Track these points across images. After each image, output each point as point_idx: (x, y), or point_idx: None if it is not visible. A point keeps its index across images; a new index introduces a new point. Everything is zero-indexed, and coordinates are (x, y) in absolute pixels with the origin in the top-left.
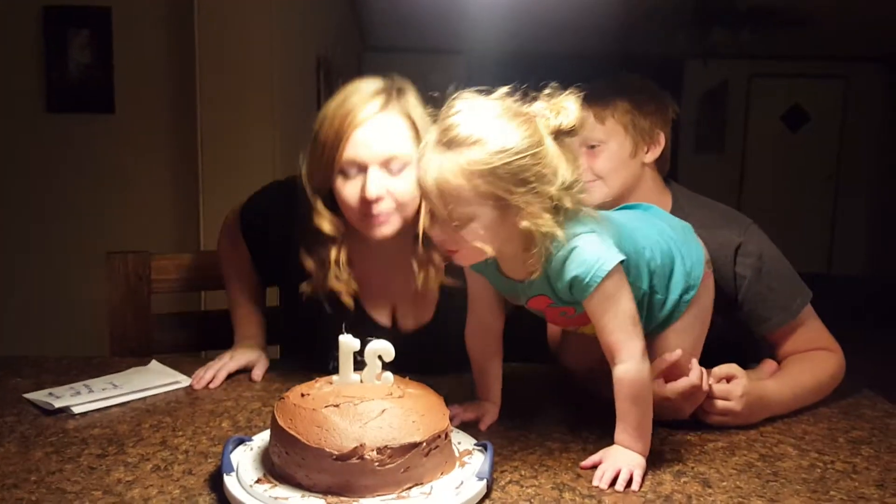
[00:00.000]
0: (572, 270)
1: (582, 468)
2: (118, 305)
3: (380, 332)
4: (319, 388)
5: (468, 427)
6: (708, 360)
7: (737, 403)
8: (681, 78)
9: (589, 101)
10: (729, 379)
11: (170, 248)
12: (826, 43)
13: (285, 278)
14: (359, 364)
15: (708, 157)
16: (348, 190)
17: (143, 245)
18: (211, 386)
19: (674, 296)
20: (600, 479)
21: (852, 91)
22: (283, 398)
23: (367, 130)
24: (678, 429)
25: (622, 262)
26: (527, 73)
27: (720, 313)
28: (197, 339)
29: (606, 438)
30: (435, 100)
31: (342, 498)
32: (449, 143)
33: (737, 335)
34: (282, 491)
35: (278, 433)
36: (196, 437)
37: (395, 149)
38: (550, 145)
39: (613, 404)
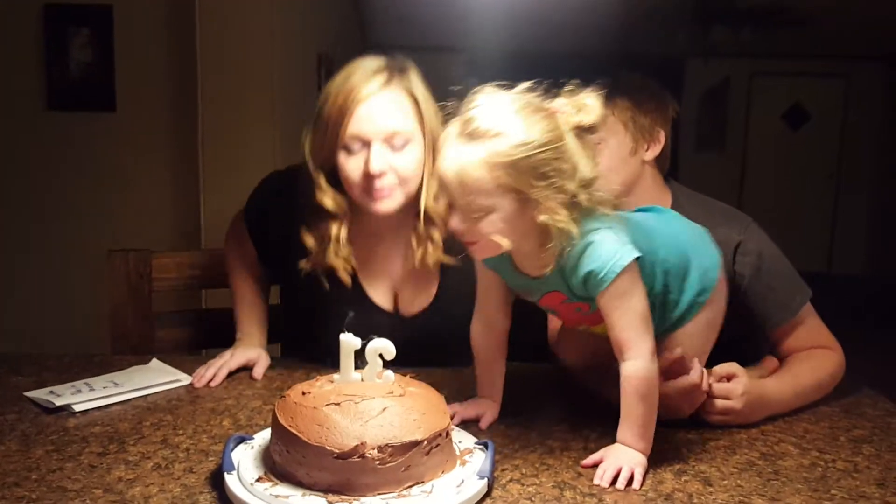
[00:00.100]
0: (588, 265)
1: (583, 467)
2: (119, 303)
3: (381, 316)
4: (320, 387)
5: (469, 425)
6: (708, 359)
7: (737, 402)
8: (682, 76)
9: None
10: (729, 378)
11: (170, 247)
12: (827, 42)
13: (287, 266)
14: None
15: (709, 156)
16: (351, 165)
17: (144, 243)
18: (212, 384)
19: (688, 296)
20: (601, 478)
21: (853, 90)
22: (283, 396)
23: (371, 106)
24: (679, 428)
25: (637, 259)
26: (528, 72)
27: None
28: (198, 338)
29: (607, 437)
30: (455, 94)
31: (343, 496)
32: (471, 134)
33: (737, 333)
34: (283, 489)
35: (279, 431)
36: (197, 436)
37: (398, 124)
38: (571, 141)
39: (612, 403)
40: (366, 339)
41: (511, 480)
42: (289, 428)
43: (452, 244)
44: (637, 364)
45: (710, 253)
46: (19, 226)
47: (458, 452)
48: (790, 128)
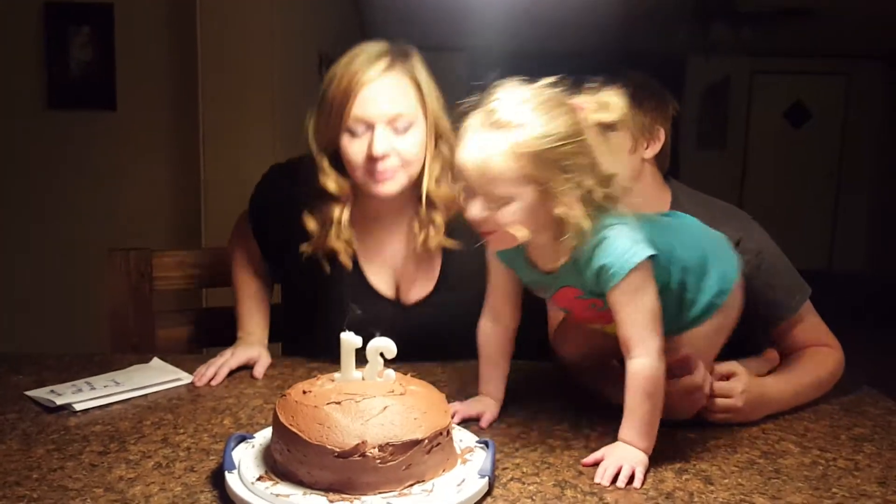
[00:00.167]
0: (601, 259)
1: (584, 465)
2: (120, 302)
3: (382, 303)
4: (321, 386)
5: (470, 424)
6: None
7: (738, 400)
8: (682, 74)
9: None
10: (729, 376)
11: (171, 245)
12: (828, 40)
13: (289, 257)
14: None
15: (710, 154)
16: (355, 148)
17: (145, 242)
18: (212, 383)
19: (706, 297)
20: (602, 476)
21: (854, 88)
22: (284, 395)
23: (375, 89)
24: (680, 426)
25: (652, 257)
26: (529, 71)
27: None
28: (198, 337)
29: (608, 436)
30: (477, 89)
31: (344, 495)
32: (495, 124)
33: (738, 334)
34: (283, 488)
35: (280, 430)
36: (198, 435)
37: (402, 107)
38: (593, 138)
39: (612, 402)
40: (366, 329)
41: (512, 479)
42: (290, 427)
43: (455, 228)
44: (644, 362)
45: (730, 257)
46: (19, 225)
47: (458, 451)
48: (791, 126)
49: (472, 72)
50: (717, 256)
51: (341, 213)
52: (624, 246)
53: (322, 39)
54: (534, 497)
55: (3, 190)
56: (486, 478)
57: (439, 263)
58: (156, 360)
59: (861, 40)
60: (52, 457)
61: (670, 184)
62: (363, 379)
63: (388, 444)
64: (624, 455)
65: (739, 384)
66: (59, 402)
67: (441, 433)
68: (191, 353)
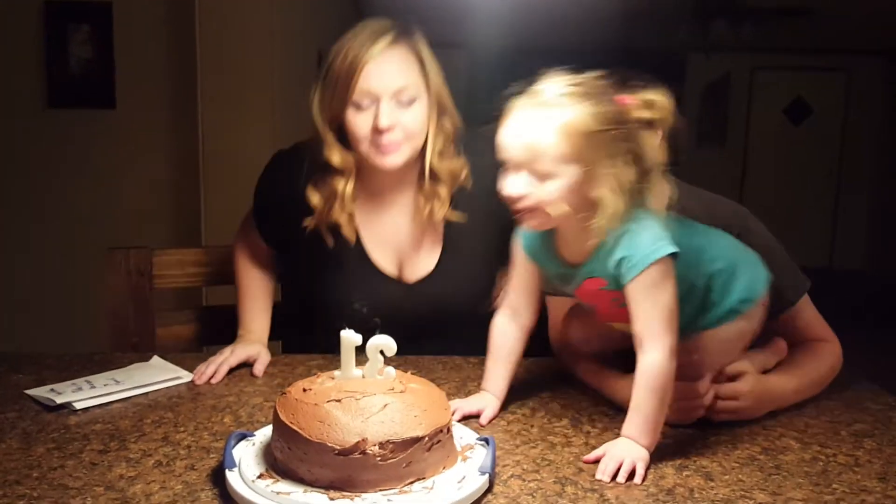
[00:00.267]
0: (624, 249)
1: (585, 462)
2: (120, 301)
3: (385, 282)
4: (321, 383)
5: (470, 421)
6: None
7: (743, 402)
8: (683, 72)
9: None
10: (737, 377)
11: (171, 244)
12: (827, 37)
13: (293, 240)
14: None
15: (710, 152)
16: (360, 121)
17: (145, 240)
18: (212, 381)
19: (731, 301)
20: (603, 472)
21: (854, 86)
22: (284, 393)
23: (380, 63)
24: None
25: (674, 255)
26: (529, 68)
27: None
28: (199, 335)
29: (609, 433)
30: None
31: (344, 493)
32: (545, 104)
33: None
34: (284, 486)
35: (280, 428)
36: (198, 433)
37: (406, 80)
38: (640, 131)
39: (613, 403)
40: (370, 310)
41: (512, 476)
42: (290, 424)
43: (460, 200)
44: (654, 357)
45: (761, 273)
46: (20, 222)
47: (459, 448)
48: (792, 122)
49: (471, 68)
50: (747, 266)
51: (345, 187)
52: (647, 240)
53: (322, 39)
54: (534, 494)
55: (3, 188)
56: (487, 475)
57: (441, 242)
58: (156, 359)
59: (860, 38)
60: (53, 455)
61: (667, 178)
62: (363, 377)
63: (388, 441)
64: (625, 451)
65: (746, 385)
66: (60, 400)
67: (441, 430)
68: (191, 351)
